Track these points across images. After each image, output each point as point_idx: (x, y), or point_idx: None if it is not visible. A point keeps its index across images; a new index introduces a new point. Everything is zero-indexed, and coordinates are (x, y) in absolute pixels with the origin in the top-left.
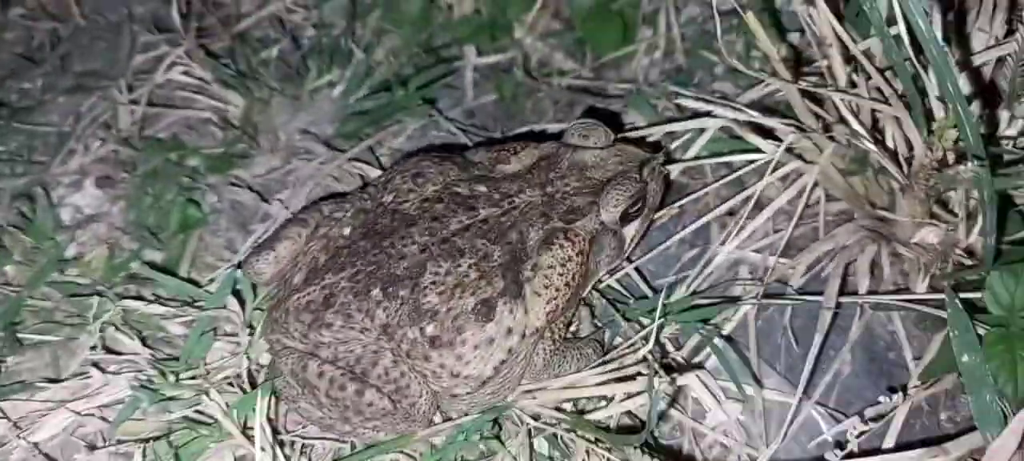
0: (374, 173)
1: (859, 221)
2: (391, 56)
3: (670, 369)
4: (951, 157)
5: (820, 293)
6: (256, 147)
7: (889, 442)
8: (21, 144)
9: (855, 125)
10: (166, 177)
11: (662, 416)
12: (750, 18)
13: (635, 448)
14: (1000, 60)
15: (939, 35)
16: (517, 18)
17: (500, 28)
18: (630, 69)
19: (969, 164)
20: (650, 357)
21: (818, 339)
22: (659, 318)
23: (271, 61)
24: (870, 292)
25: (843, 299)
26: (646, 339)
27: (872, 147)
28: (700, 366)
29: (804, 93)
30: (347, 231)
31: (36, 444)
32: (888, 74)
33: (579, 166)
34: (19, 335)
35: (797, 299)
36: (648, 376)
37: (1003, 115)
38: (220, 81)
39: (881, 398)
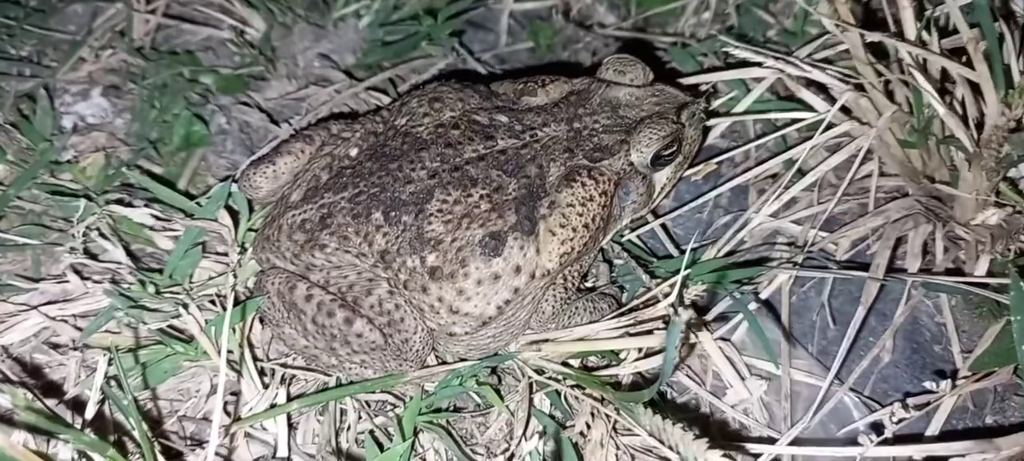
0: None
1: (914, 196)
2: None
3: (692, 332)
4: None
5: (865, 267)
6: (273, 71)
7: (933, 431)
8: (33, 48)
9: (923, 83)
10: (175, 92)
11: (679, 390)
12: None
13: (644, 407)
14: None
15: None
16: None
17: None
18: (676, 26)
19: None
20: (671, 309)
21: (861, 313)
22: (685, 269)
23: None
24: (921, 272)
25: (891, 278)
26: (668, 293)
27: (941, 107)
28: (725, 339)
29: (868, 46)
30: (354, 152)
31: (4, 347)
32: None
33: (612, 103)
34: (2, 235)
35: (840, 272)
36: (669, 328)
37: None
38: (243, 0)
39: (928, 383)
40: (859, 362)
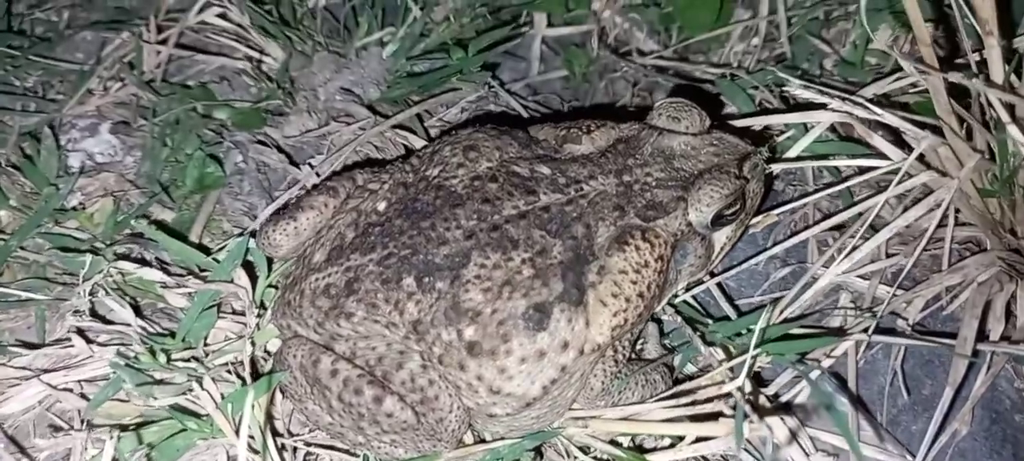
0: (421, 145)
1: (994, 252)
2: (451, 17)
3: (754, 409)
4: None
5: (943, 334)
6: (292, 105)
7: None
8: (38, 80)
9: (1013, 131)
10: (188, 128)
11: None
12: None
13: None
14: None
15: None
16: None
17: None
18: (721, 54)
19: None
20: (738, 394)
21: (949, 394)
22: (754, 349)
23: (318, 12)
24: (1003, 338)
25: (974, 349)
26: (732, 371)
27: None
28: (787, 406)
29: (951, 89)
30: (382, 206)
31: (6, 417)
32: None
33: (665, 153)
34: (3, 289)
35: (916, 340)
36: (735, 418)
37: None
38: (259, 28)
39: None
40: (939, 438)
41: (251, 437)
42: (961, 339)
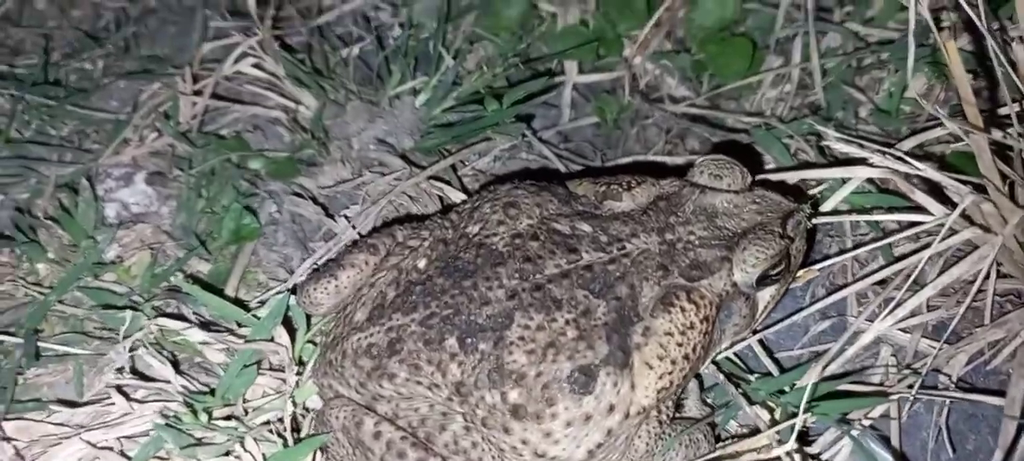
0: (455, 195)
1: None
2: (484, 66)
3: None
4: None
5: (987, 390)
6: (326, 155)
7: None
8: (73, 129)
9: None
10: (223, 179)
11: None
12: (949, 46)
13: None
14: None
15: None
16: (627, 34)
17: (607, 44)
18: (753, 101)
19: None
20: (785, 458)
21: (998, 458)
22: (804, 411)
23: (351, 61)
24: None
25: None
26: (779, 433)
27: None
28: None
29: (995, 145)
30: (422, 264)
31: None
32: None
33: (708, 211)
34: (42, 344)
35: (962, 396)
36: None
37: None
38: (293, 78)
39: None
40: None
41: None
42: (1010, 399)
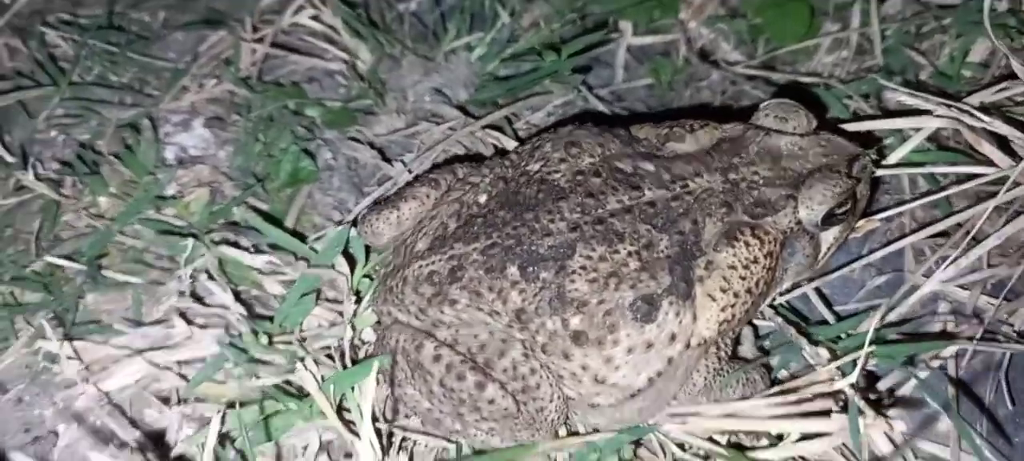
0: (511, 145)
1: None
2: (541, 22)
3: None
4: None
5: None
6: (381, 105)
7: None
8: (134, 76)
9: None
10: (281, 125)
11: None
12: None
13: None
14: None
15: None
16: None
17: (663, 6)
18: (809, 65)
19: None
20: (851, 391)
21: None
22: (869, 345)
23: (407, 16)
24: None
25: None
26: (841, 370)
27: None
28: (897, 406)
29: None
30: (483, 199)
31: (107, 393)
32: None
33: (772, 153)
34: (104, 272)
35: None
36: (849, 415)
37: None
38: (351, 31)
39: None
40: None
41: (350, 421)
42: None
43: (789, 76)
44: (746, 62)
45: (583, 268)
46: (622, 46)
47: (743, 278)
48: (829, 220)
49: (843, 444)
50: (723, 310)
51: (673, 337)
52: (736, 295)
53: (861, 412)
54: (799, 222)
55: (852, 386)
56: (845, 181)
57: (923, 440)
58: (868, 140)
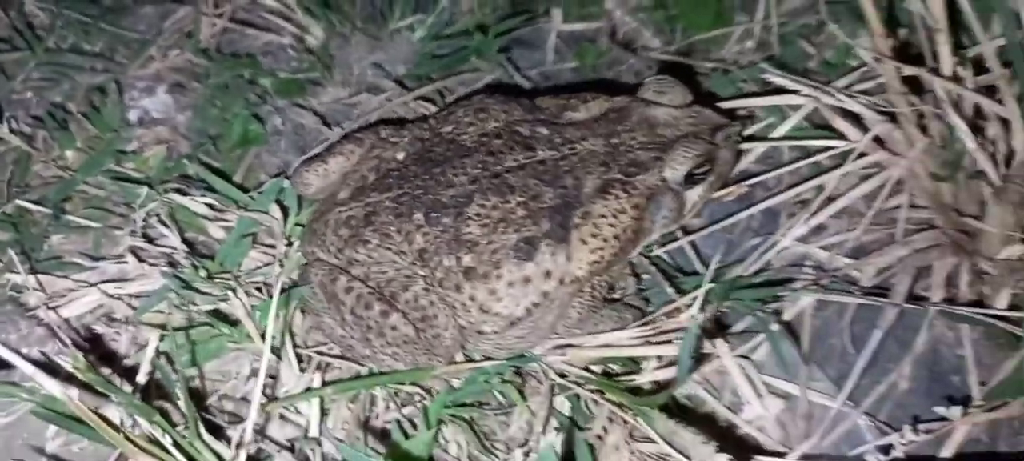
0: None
1: (942, 229)
2: (477, 7)
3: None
4: None
5: (882, 293)
6: (328, 77)
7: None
8: (105, 44)
9: (954, 118)
10: (235, 92)
11: (697, 403)
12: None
13: (659, 411)
14: None
15: None
16: None
17: None
18: (720, 52)
19: None
20: (693, 319)
21: (877, 336)
22: (708, 282)
23: None
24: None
25: (912, 306)
26: (691, 304)
27: (971, 142)
28: (745, 356)
29: (905, 80)
30: (401, 155)
31: (66, 319)
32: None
33: (650, 122)
34: (67, 216)
35: (861, 298)
36: (686, 333)
37: None
38: (305, 9)
39: (940, 409)
40: (877, 387)
41: (274, 342)
42: (894, 292)
43: (699, 62)
44: (663, 49)
45: (478, 215)
46: (552, 31)
47: (612, 226)
48: (691, 179)
49: (706, 379)
50: (593, 252)
51: (548, 274)
52: (605, 240)
53: (699, 334)
54: (664, 180)
55: (693, 316)
56: (705, 145)
57: (775, 378)
58: (742, 117)
